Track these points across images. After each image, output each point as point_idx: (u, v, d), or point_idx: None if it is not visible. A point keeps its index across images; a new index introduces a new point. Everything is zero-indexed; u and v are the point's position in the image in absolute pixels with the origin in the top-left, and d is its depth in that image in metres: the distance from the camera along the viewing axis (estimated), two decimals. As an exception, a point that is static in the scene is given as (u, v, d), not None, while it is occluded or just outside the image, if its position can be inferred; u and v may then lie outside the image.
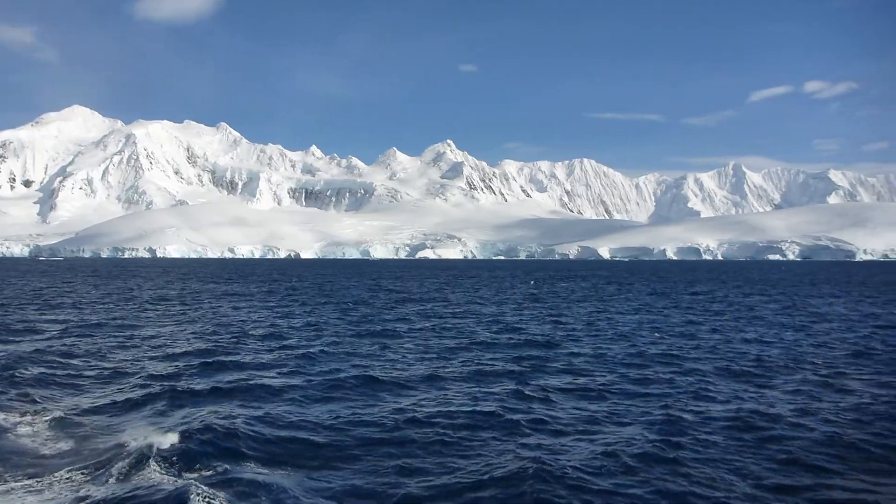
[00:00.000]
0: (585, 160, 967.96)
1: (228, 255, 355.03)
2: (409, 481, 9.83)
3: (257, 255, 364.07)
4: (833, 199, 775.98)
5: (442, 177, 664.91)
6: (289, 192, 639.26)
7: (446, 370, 17.93)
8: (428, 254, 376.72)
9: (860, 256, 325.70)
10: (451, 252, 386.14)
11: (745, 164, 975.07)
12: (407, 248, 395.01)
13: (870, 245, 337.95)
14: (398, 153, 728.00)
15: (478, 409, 13.71)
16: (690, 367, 18.60)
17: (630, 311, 36.92)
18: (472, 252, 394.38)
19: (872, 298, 47.68)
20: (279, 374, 17.31)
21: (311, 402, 14.40)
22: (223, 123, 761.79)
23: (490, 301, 43.98)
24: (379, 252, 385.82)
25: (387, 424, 12.57)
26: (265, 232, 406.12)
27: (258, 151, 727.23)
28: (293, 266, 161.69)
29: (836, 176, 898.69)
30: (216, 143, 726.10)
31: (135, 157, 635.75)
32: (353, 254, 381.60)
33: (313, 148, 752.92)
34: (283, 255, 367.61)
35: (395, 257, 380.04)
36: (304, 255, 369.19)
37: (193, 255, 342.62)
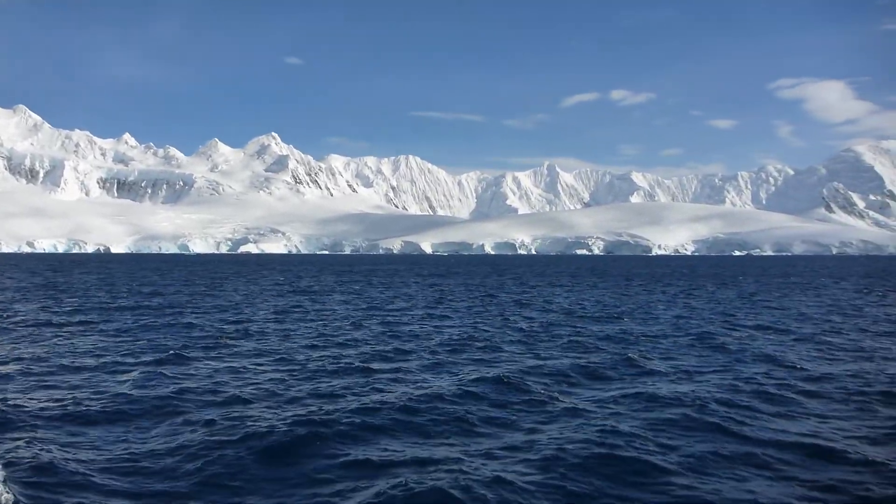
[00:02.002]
0: (411, 157, 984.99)
1: (27, 249, 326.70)
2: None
3: (61, 250, 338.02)
4: (635, 199, 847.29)
5: (266, 170, 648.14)
6: (98, 182, 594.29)
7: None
8: (251, 248, 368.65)
9: (655, 251, 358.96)
10: (275, 246, 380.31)
11: (558, 164, 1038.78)
12: (229, 243, 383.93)
13: (664, 241, 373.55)
14: (220, 144, 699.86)
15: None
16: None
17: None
18: (296, 247, 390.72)
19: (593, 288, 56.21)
20: None
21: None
22: (21, 106, 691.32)
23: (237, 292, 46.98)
24: (199, 246, 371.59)
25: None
26: (70, 224, 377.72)
27: (63, 137, 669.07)
28: (92, 261, 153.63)
29: (637, 178, 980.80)
30: (13, 127, 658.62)
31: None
32: (170, 248, 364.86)
33: (126, 136, 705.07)
34: (90, 249, 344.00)
35: (216, 252, 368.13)
36: (114, 250, 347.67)
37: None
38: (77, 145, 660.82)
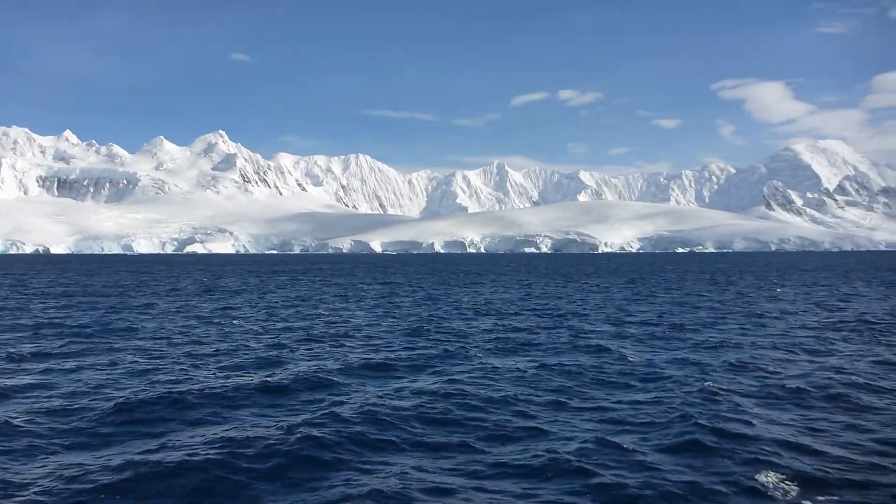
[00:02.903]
0: (361, 155, 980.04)
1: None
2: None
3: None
4: (583, 198, 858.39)
5: (213, 168, 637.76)
6: (38, 181, 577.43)
7: None
8: (197, 248, 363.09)
9: (602, 249, 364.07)
10: (223, 246, 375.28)
11: (508, 163, 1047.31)
12: (175, 243, 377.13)
13: (610, 239, 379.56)
14: (166, 142, 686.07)
15: None
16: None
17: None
18: (244, 246, 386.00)
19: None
20: None
21: None
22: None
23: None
24: (143, 247, 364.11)
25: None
26: (8, 224, 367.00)
27: (0, 134, 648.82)
28: (23, 263, 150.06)
29: (585, 176, 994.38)
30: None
31: None
32: (113, 249, 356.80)
33: (67, 133, 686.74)
34: (29, 249, 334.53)
35: (162, 252, 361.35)
36: (54, 250, 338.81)
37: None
38: (15, 142, 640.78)
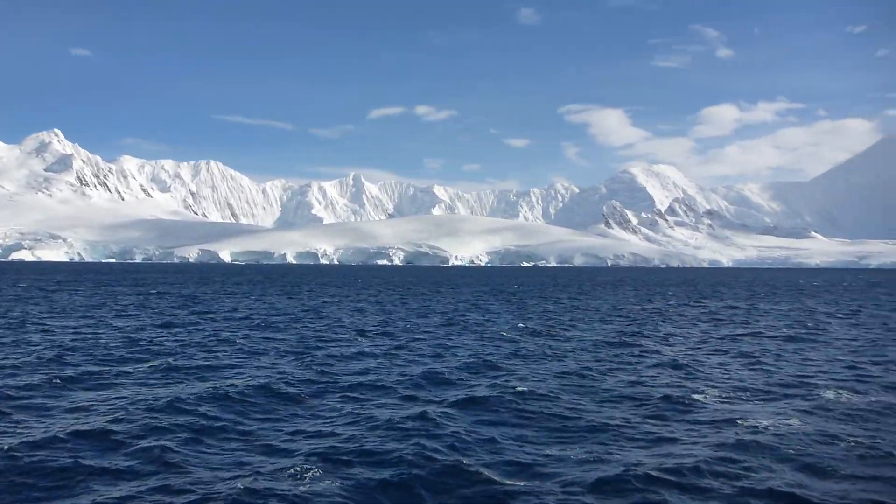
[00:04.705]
0: (212, 162, 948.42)
1: None
2: None
3: None
4: (437, 212, 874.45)
5: (46, 169, 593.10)
6: None
7: None
8: (25, 255, 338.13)
9: (452, 262, 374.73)
10: (55, 254, 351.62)
11: (364, 175, 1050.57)
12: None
13: (460, 252, 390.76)
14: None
15: None
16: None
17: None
18: (79, 254, 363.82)
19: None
20: None
21: None
22: None
23: None
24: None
25: None
26: None
27: None
28: None
29: (439, 191, 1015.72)
30: None
31: None
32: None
33: None
34: None
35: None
36: None
37: None
38: None
